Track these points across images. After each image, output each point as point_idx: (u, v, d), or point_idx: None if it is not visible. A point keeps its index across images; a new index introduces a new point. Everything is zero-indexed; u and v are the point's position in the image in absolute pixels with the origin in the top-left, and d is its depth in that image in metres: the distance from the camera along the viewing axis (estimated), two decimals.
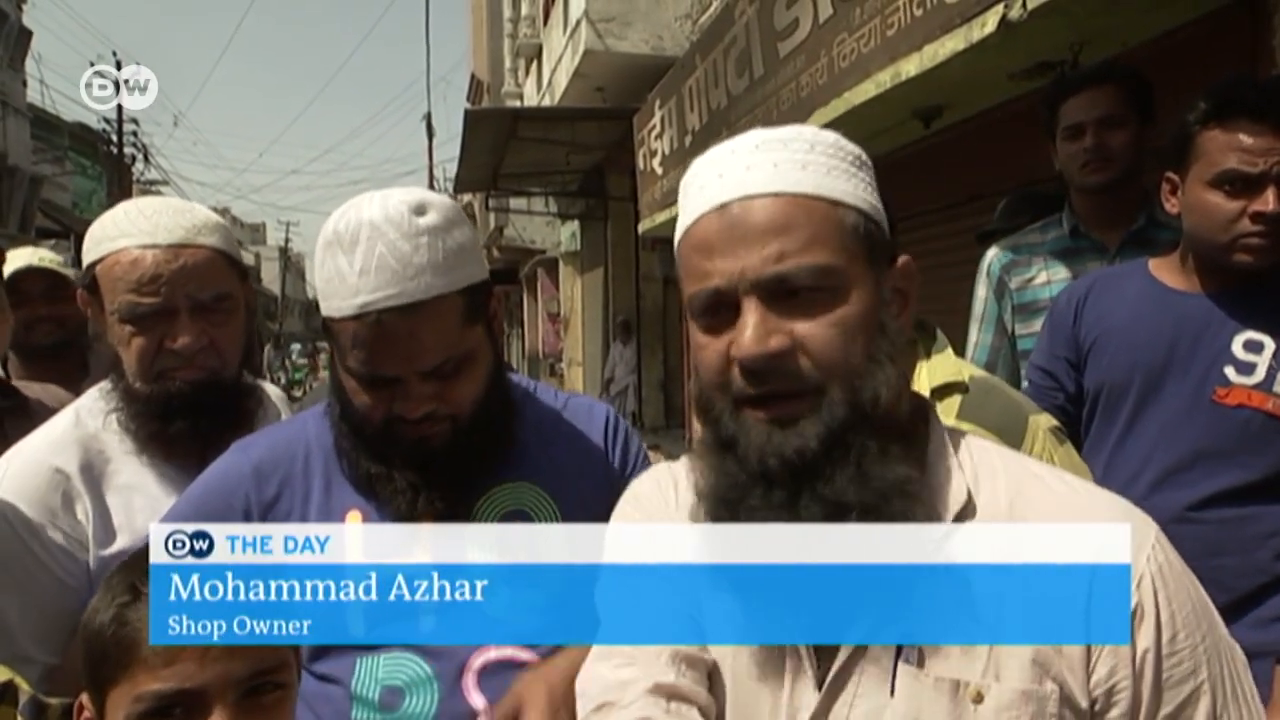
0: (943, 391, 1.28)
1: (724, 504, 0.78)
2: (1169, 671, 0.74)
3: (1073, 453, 1.31)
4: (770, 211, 0.76)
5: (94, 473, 1.31)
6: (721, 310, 0.78)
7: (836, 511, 0.73)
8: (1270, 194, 1.48)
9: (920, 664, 0.75)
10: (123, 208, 1.37)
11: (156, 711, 0.81)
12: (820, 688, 0.78)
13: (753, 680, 0.82)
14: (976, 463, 0.82)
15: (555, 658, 1.09)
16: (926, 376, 1.30)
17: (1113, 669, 0.73)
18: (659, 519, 0.92)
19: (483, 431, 1.10)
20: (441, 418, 1.06)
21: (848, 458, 0.74)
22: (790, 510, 0.74)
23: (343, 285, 1.00)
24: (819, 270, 0.75)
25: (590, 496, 1.18)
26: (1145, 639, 0.74)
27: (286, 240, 55.92)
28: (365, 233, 0.99)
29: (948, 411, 1.25)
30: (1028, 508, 0.78)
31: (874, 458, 0.75)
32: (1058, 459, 1.24)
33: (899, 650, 0.76)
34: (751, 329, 0.75)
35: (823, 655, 0.79)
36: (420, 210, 1.01)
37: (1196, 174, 1.56)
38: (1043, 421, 1.28)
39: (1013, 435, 1.23)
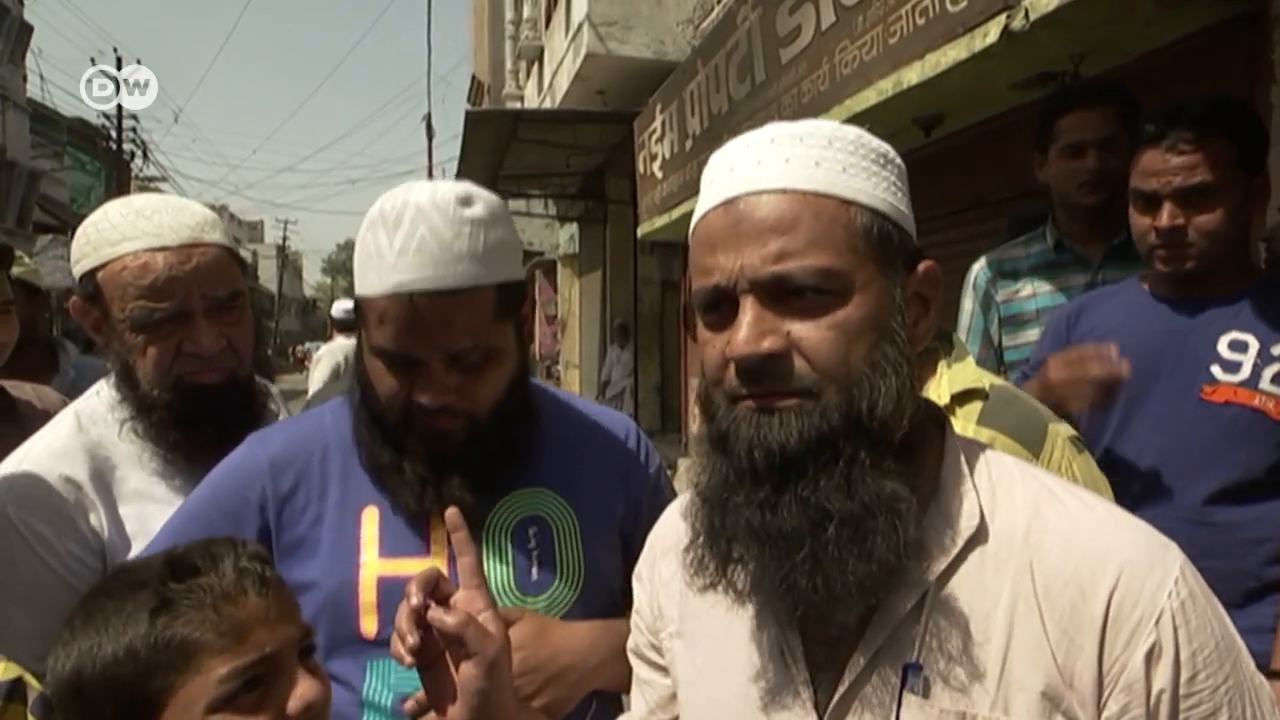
0: (963, 398, 1.30)
1: (713, 504, 0.77)
2: (1186, 713, 0.70)
3: (1090, 462, 1.32)
4: (775, 208, 0.74)
5: (104, 480, 1.29)
6: (723, 307, 0.76)
7: (817, 518, 0.71)
8: (1165, 210, 1.63)
9: (926, 694, 0.73)
10: (116, 209, 1.30)
11: (243, 687, 0.81)
12: (821, 718, 0.77)
13: (747, 711, 0.81)
14: (995, 480, 0.79)
15: (593, 626, 1.10)
16: (947, 383, 1.32)
17: (1125, 706, 0.70)
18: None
19: (498, 434, 1.09)
20: (458, 413, 1.06)
21: (835, 464, 0.72)
22: (772, 510, 0.72)
23: (380, 263, 1.01)
24: (820, 272, 0.73)
25: (609, 506, 1.20)
26: (1162, 679, 0.69)
27: (284, 239, 55.74)
28: (410, 214, 1.00)
29: (968, 418, 1.28)
30: (1045, 530, 0.75)
31: (864, 469, 0.72)
32: (1076, 467, 1.26)
33: (903, 680, 0.74)
34: (746, 328, 0.73)
35: (821, 685, 0.78)
36: (467, 201, 1.03)
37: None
38: (1062, 430, 1.29)
39: (1032, 443, 1.25)
